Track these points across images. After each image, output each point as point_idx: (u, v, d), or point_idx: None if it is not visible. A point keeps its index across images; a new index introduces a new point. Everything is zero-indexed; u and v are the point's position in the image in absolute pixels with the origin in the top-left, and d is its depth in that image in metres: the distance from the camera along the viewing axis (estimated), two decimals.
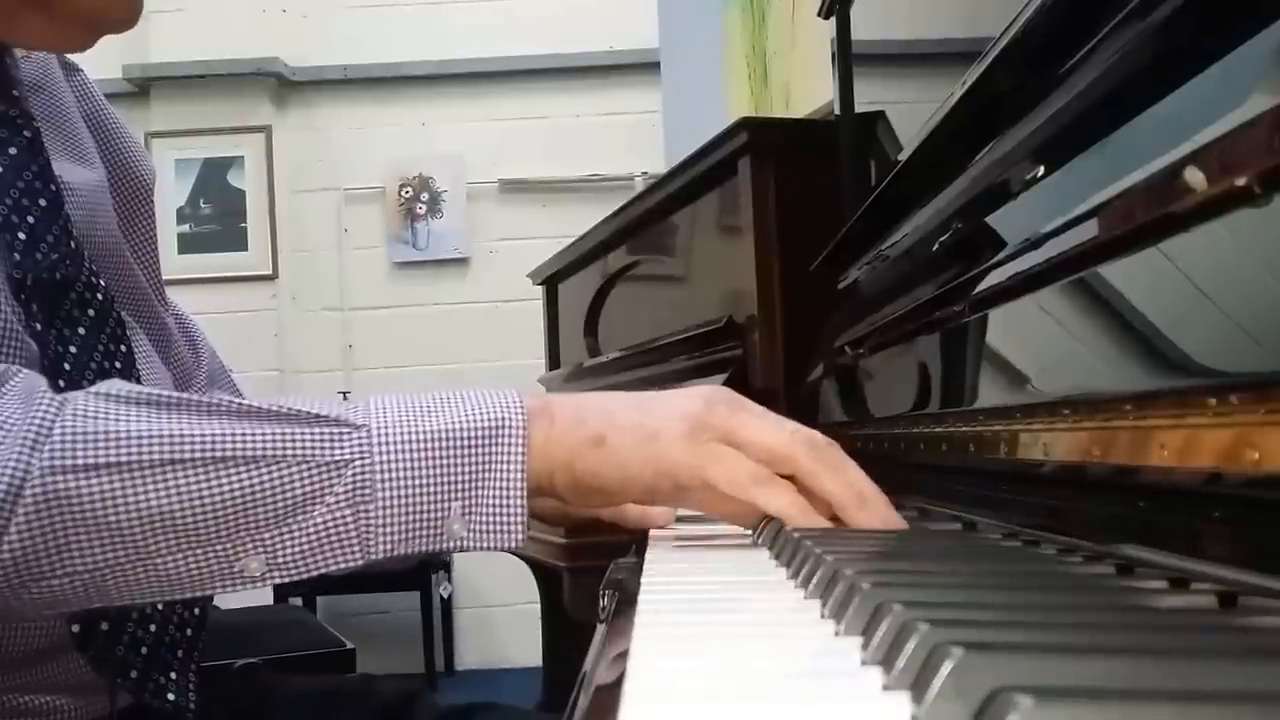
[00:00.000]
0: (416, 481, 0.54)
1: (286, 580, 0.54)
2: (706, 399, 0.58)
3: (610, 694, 0.33)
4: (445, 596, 3.61)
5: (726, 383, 1.26)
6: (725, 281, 1.35)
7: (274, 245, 3.73)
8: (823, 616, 0.37)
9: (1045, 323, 0.55)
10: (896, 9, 1.07)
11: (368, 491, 0.54)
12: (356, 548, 0.54)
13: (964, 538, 0.56)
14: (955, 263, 0.70)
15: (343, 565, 0.54)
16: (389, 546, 0.54)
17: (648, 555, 0.57)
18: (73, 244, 0.69)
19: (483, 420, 0.56)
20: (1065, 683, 0.24)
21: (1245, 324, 0.38)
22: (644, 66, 3.42)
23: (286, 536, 0.53)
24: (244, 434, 0.53)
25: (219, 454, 0.53)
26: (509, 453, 0.55)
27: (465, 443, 0.55)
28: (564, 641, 2.15)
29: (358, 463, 0.54)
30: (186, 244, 3.67)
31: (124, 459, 0.51)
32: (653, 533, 0.67)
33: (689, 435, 0.57)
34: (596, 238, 1.88)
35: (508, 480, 0.55)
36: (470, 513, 0.55)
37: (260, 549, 0.53)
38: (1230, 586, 0.36)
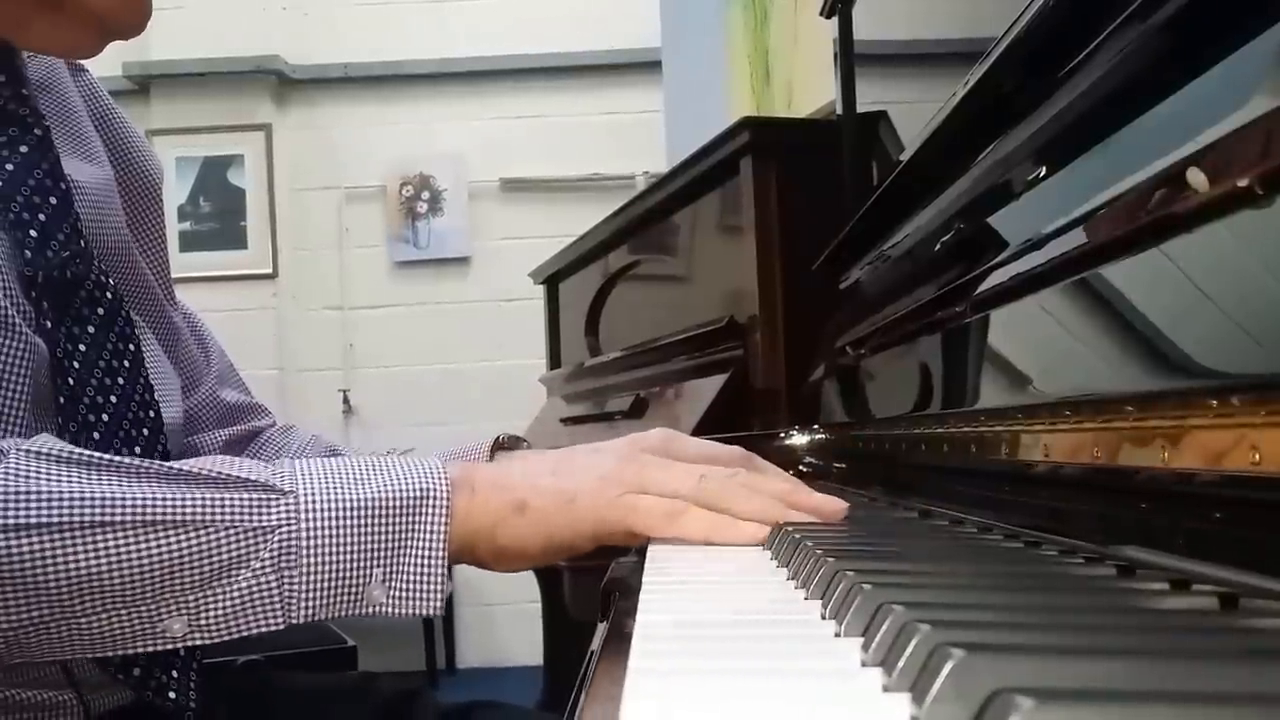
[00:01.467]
0: (340, 549, 0.56)
1: (207, 642, 0.55)
2: (617, 458, 0.62)
3: (611, 693, 0.33)
4: (446, 595, 3.61)
5: (728, 383, 1.26)
6: (726, 281, 1.35)
7: (274, 244, 3.73)
8: (823, 617, 0.37)
9: (1047, 324, 0.55)
10: (898, 9, 1.07)
11: (293, 557, 0.55)
12: (279, 612, 0.56)
13: (965, 539, 0.56)
14: (957, 263, 0.70)
15: (263, 629, 0.56)
16: (310, 612, 0.56)
17: (648, 555, 0.57)
18: (82, 242, 0.70)
19: (407, 490, 0.58)
20: (1066, 684, 0.24)
21: (1246, 325, 0.38)
22: (646, 66, 3.42)
23: (211, 600, 0.55)
24: (173, 498, 0.54)
25: (148, 517, 0.53)
26: (432, 523, 0.58)
27: (389, 512, 0.57)
28: (565, 640, 2.15)
29: (284, 529, 0.56)
30: (186, 242, 3.67)
31: (56, 520, 0.52)
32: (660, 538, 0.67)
33: (605, 493, 0.60)
34: (598, 237, 1.88)
35: (429, 550, 0.57)
36: (390, 580, 0.57)
37: (184, 611, 0.55)
38: (1231, 588, 0.36)
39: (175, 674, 0.67)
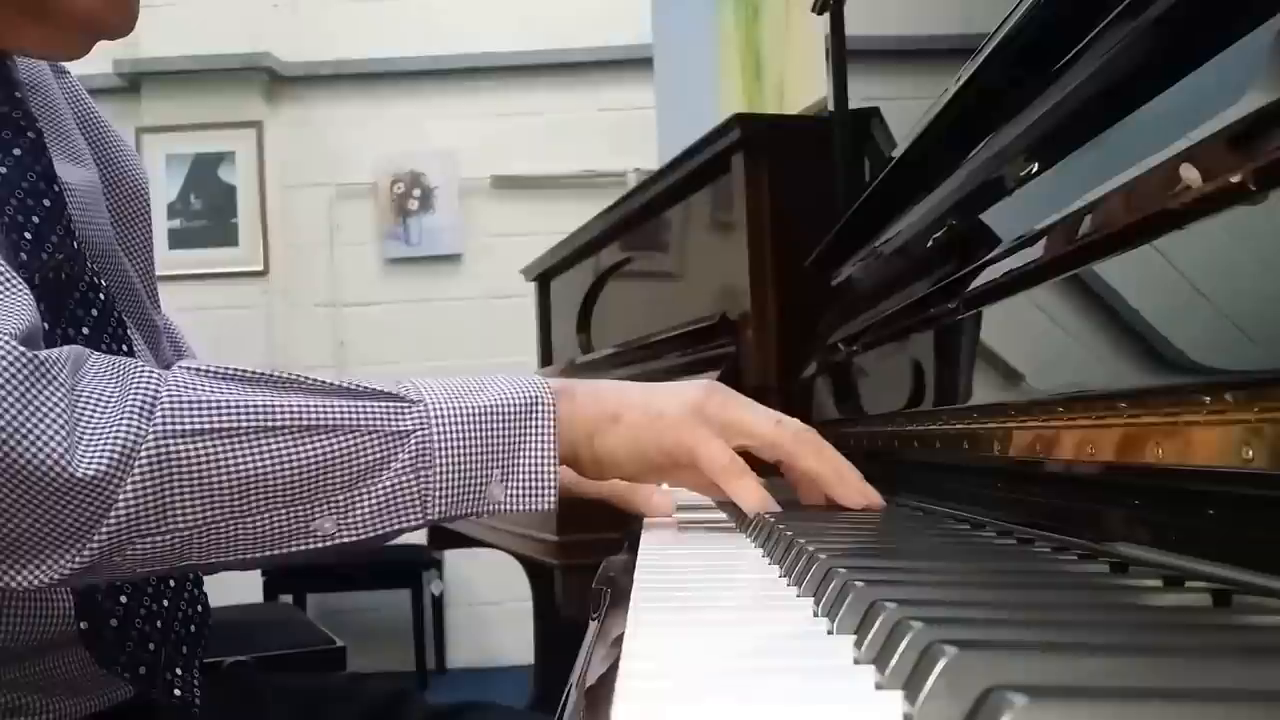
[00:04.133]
0: (467, 451, 0.60)
1: (354, 539, 0.59)
2: (705, 389, 0.67)
3: (602, 693, 0.33)
4: (437, 594, 3.60)
5: (719, 380, 1.26)
6: (718, 278, 1.35)
7: (265, 241, 3.72)
8: (816, 614, 0.37)
9: (1039, 320, 0.55)
10: (890, 5, 1.07)
11: (428, 459, 0.59)
12: (417, 509, 0.59)
13: (958, 536, 0.56)
14: (949, 259, 0.70)
15: (403, 526, 0.60)
16: (442, 509, 0.60)
17: (640, 553, 0.57)
18: (75, 244, 0.70)
19: (517, 397, 0.62)
20: (1059, 681, 0.24)
21: (1240, 322, 0.38)
22: (637, 62, 3.41)
23: (357, 499, 0.58)
24: (323, 405, 0.58)
25: (305, 422, 0.57)
26: (541, 426, 0.62)
27: (505, 417, 0.61)
28: (556, 640, 2.15)
29: (419, 433, 0.59)
30: (177, 240, 3.66)
31: (225, 425, 0.56)
32: (645, 532, 0.67)
33: (689, 418, 0.65)
34: (589, 234, 1.87)
35: (541, 450, 0.62)
36: (508, 479, 0.61)
37: (334, 510, 0.58)
38: (1224, 585, 0.36)
39: (180, 672, 0.69)
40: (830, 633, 0.34)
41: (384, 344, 3.78)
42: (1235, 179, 0.36)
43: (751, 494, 0.64)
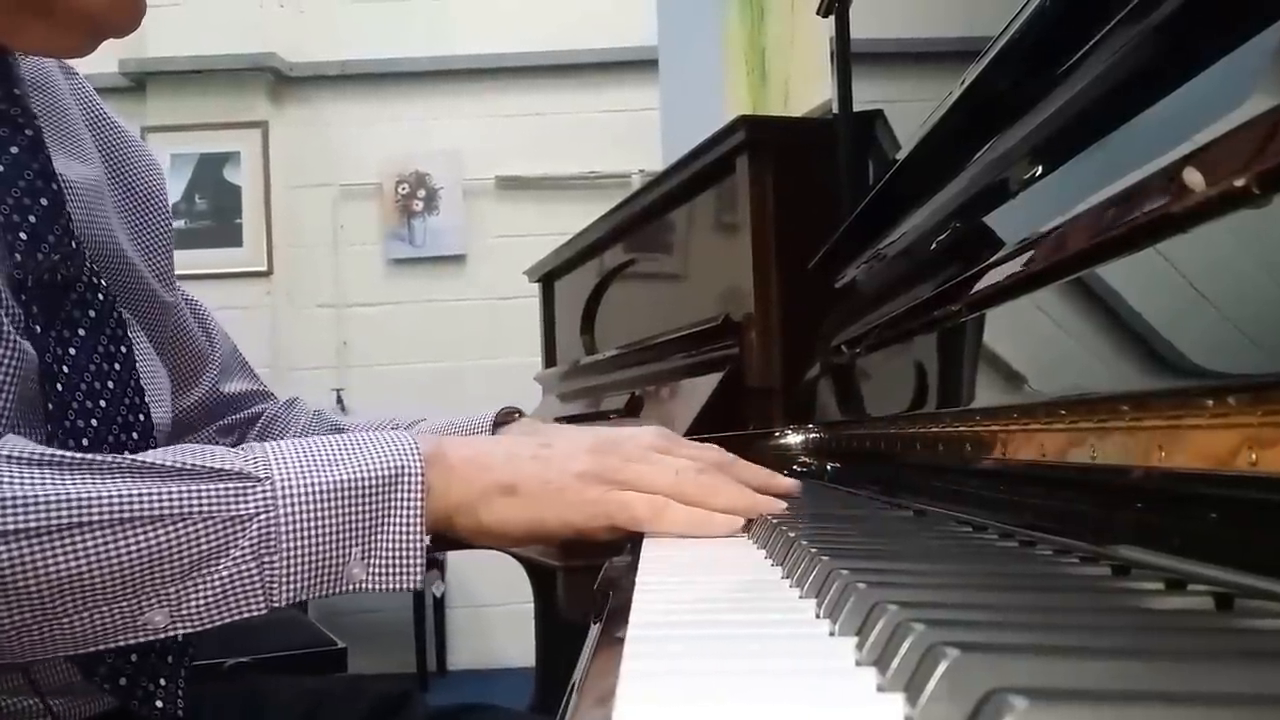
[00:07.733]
0: (319, 532, 0.56)
1: (190, 631, 0.55)
2: (594, 453, 0.64)
3: (604, 695, 0.33)
4: (438, 596, 3.60)
5: (723, 382, 1.26)
6: (722, 280, 1.35)
7: (269, 241, 3.72)
8: (818, 616, 0.37)
9: (1042, 323, 0.55)
10: (895, 8, 1.06)
11: (272, 544, 0.55)
12: (260, 597, 0.56)
13: (960, 538, 0.56)
14: (953, 262, 0.70)
15: (246, 614, 0.56)
16: (291, 594, 0.56)
17: (642, 554, 0.57)
18: (74, 243, 0.69)
19: (381, 469, 0.58)
20: (1060, 684, 0.24)
21: (1243, 326, 0.38)
22: (643, 63, 3.41)
23: (191, 590, 0.55)
24: (147, 493, 0.54)
25: (124, 514, 0.53)
26: (407, 500, 0.58)
27: (365, 492, 0.57)
28: (558, 642, 2.15)
29: (262, 517, 0.55)
30: (181, 239, 3.59)
31: (33, 525, 0.52)
32: (648, 533, 0.67)
33: (590, 489, 0.63)
34: (593, 235, 1.87)
35: (406, 526, 0.58)
36: (369, 557, 0.58)
37: (165, 603, 0.55)
38: (1227, 588, 0.35)
39: (163, 683, 0.67)
40: (832, 634, 0.34)
41: (387, 345, 3.79)
42: (1239, 183, 0.36)
43: (680, 523, 0.62)
